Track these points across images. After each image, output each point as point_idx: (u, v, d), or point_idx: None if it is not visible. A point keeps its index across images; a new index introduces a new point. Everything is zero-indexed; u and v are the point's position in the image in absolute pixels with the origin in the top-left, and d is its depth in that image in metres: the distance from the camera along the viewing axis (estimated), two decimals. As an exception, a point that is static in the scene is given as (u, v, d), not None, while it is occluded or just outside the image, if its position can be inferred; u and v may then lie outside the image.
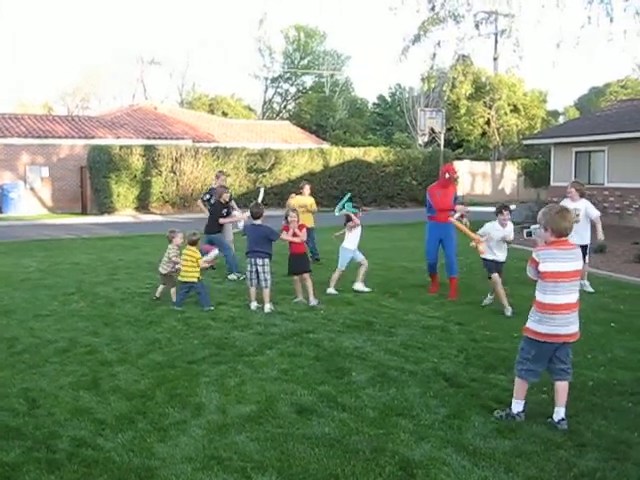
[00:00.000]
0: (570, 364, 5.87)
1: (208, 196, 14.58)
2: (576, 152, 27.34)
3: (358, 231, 11.88)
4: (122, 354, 7.92)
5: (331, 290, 11.53)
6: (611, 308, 10.39)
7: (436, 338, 8.65)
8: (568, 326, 5.70)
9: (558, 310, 5.65)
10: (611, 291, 11.78)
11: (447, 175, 11.40)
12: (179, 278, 10.60)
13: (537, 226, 6.19)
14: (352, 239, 11.82)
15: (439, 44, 26.38)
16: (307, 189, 15.01)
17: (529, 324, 5.82)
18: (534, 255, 5.77)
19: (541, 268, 5.68)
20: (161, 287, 11.01)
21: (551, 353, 5.77)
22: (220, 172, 15.64)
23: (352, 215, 11.78)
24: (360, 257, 11.90)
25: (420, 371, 7.22)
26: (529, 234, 6.99)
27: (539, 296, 5.77)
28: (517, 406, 5.88)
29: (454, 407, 6.15)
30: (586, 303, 10.62)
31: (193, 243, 10.58)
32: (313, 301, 10.61)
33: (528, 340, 5.83)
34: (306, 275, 10.83)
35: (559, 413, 5.71)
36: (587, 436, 5.42)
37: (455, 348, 8.11)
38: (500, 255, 10.47)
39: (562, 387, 5.80)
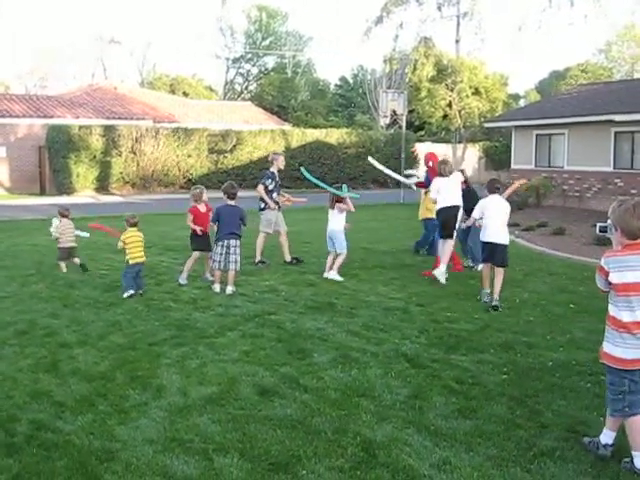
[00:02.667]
0: None
1: (269, 181, 12.82)
2: (537, 135, 27.55)
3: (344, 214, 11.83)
4: (82, 336, 7.83)
5: (336, 276, 11.32)
6: (570, 290, 10.49)
7: (397, 319, 8.68)
8: None
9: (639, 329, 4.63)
10: (570, 273, 11.90)
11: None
12: (130, 261, 10.08)
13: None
14: (342, 220, 11.68)
15: (401, 26, 26.56)
16: None
17: (606, 347, 4.78)
18: (602, 262, 4.77)
19: (612, 279, 4.68)
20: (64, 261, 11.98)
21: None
22: (275, 154, 13.64)
23: (349, 200, 11.69)
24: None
25: (381, 352, 7.24)
26: (603, 230, 5.57)
27: (613, 311, 4.73)
28: (605, 437, 4.86)
29: (415, 388, 6.17)
30: (546, 285, 10.78)
31: (133, 225, 10.28)
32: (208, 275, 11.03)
33: (613, 371, 4.74)
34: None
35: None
36: (547, 416, 5.47)
37: (416, 329, 8.15)
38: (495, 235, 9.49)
39: (638, 424, 4.71)
